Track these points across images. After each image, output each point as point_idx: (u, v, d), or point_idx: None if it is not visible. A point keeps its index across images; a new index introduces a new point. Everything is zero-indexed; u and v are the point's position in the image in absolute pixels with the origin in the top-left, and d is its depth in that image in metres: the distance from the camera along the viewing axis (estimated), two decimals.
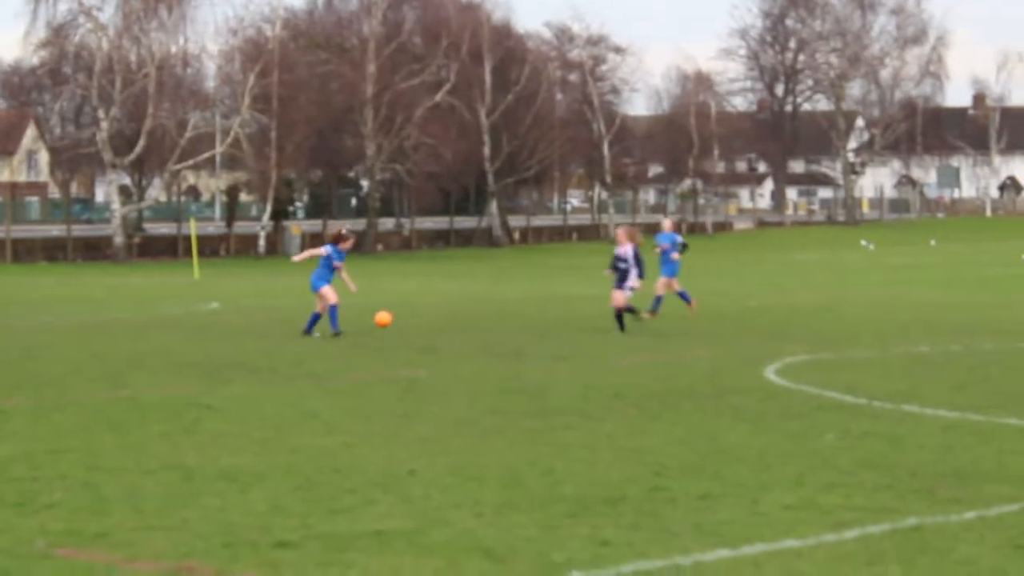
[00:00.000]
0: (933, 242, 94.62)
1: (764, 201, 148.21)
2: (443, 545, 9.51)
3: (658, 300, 30.35)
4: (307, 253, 27.89)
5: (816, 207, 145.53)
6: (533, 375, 19.53)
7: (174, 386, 18.28)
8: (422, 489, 11.34)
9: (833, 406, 16.29)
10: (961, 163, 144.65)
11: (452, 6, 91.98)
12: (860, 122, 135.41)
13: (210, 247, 75.26)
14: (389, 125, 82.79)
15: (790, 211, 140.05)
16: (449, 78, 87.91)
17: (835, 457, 12.84)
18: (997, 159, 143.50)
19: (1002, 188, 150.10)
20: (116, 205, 73.72)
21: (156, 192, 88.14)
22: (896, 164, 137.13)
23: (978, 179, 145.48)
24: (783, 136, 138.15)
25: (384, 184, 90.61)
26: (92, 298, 39.84)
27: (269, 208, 79.76)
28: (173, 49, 77.09)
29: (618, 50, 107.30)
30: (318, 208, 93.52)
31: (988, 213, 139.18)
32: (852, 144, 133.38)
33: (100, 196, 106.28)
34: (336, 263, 25.84)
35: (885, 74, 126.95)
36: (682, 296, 30.69)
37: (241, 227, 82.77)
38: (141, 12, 74.93)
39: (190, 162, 78.78)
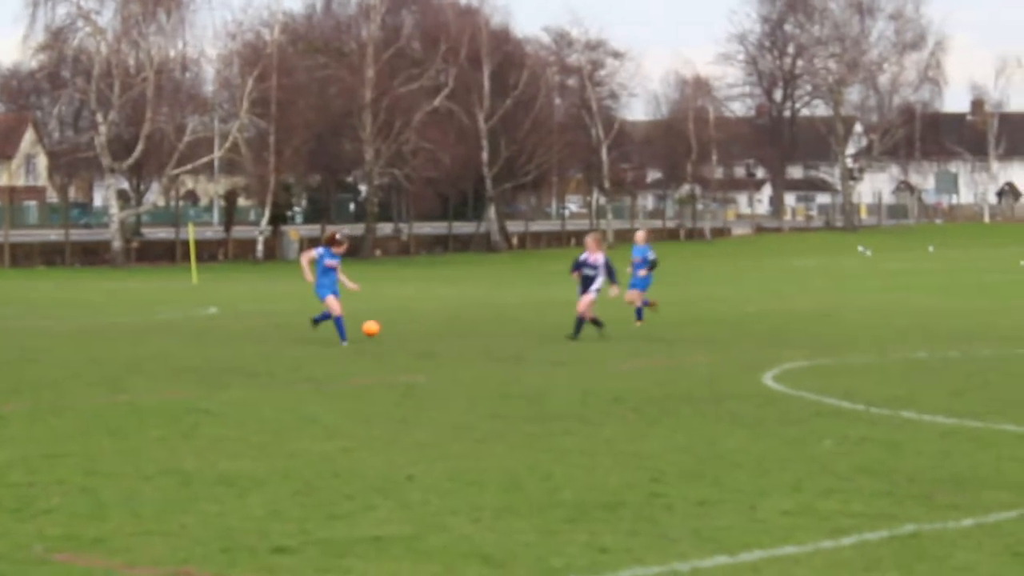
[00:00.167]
0: (931, 248, 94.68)
1: (762, 207, 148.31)
2: (441, 550, 9.50)
3: (639, 310, 30.48)
4: (305, 264, 25.69)
5: (814, 213, 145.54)
6: (532, 380, 19.52)
7: (172, 391, 18.26)
8: (421, 494, 11.33)
9: (831, 412, 16.29)
10: (959, 169, 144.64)
11: (451, 11, 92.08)
12: (858, 128, 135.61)
13: (208, 252, 75.29)
14: (387, 130, 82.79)
15: (788, 217, 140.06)
16: (447, 83, 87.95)
17: (833, 463, 12.84)
18: (995, 165, 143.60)
19: (1000, 194, 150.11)
20: (114, 209, 73.67)
21: (154, 196, 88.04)
22: (894, 170, 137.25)
23: (976, 185, 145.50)
24: (781, 141, 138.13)
25: (382, 189, 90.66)
26: (90, 302, 39.81)
27: (267, 213, 79.69)
28: (172, 53, 77.18)
29: (616, 55, 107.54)
30: (316, 213, 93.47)
31: (986, 219, 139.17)
32: (850, 150, 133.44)
33: (98, 200, 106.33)
34: (328, 262, 25.15)
35: (883, 79, 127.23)
36: (638, 310, 30.66)
37: (239, 232, 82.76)
38: (140, 16, 74.95)
39: (188, 166, 78.81)
